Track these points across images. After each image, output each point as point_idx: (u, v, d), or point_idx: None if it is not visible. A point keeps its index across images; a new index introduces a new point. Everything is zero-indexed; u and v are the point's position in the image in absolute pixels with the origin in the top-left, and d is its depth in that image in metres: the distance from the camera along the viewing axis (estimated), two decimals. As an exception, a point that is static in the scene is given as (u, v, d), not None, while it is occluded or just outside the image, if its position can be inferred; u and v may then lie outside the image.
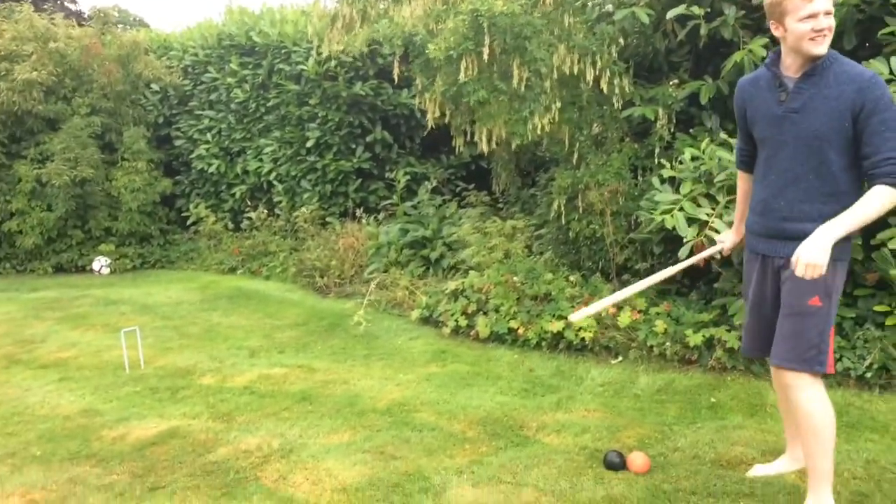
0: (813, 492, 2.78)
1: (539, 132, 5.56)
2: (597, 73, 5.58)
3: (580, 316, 3.20)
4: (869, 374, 4.18)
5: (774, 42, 5.19)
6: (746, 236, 3.02)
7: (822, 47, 2.58)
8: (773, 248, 2.80)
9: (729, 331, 4.66)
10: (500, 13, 5.03)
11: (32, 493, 3.33)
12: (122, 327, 6.02)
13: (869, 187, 2.56)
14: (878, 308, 4.34)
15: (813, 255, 2.43)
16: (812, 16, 2.55)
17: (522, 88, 5.35)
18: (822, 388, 2.75)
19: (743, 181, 3.16)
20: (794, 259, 2.47)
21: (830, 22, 2.56)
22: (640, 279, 5.73)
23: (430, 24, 5.82)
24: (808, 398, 2.72)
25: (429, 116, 6.74)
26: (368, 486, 3.24)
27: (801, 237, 2.53)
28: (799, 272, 2.45)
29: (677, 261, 5.13)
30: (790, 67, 2.70)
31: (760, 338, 2.96)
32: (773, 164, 2.78)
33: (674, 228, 4.67)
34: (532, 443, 3.68)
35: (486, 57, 5.06)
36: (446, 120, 6.95)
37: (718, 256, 3.43)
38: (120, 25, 11.51)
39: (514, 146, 6.20)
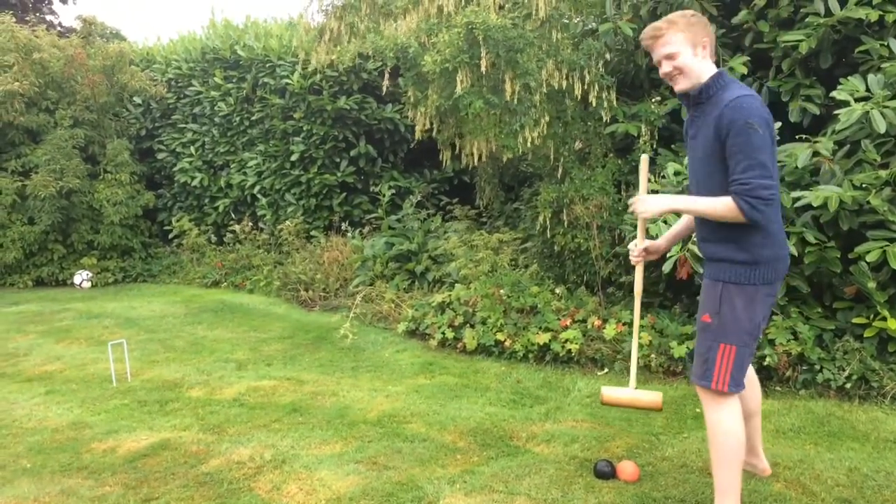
0: None
1: (529, 145, 5.65)
2: (585, 87, 5.69)
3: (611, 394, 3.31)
4: (849, 385, 4.28)
5: (754, 61, 5.38)
6: None
7: (679, 85, 2.77)
8: (705, 270, 2.91)
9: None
10: (495, 26, 5.11)
11: (24, 506, 3.32)
12: (107, 341, 6.01)
13: None
14: (856, 320, 4.46)
15: (643, 203, 2.85)
16: (657, 63, 2.81)
17: (515, 101, 5.43)
18: (729, 405, 2.76)
19: None
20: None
21: (676, 63, 2.72)
22: (624, 292, 5.88)
23: (422, 38, 5.90)
24: (711, 412, 2.79)
25: (418, 129, 6.79)
26: (362, 496, 3.27)
27: (710, 258, 2.78)
28: (631, 208, 2.91)
29: (660, 275, 5.27)
30: (691, 97, 2.82)
31: None
32: (691, 188, 2.92)
33: (657, 237, 4.76)
34: (522, 452, 3.73)
35: (483, 69, 5.14)
36: (434, 133, 7.01)
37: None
38: (97, 37, 11.46)
39: (504, 159, 6.28)
